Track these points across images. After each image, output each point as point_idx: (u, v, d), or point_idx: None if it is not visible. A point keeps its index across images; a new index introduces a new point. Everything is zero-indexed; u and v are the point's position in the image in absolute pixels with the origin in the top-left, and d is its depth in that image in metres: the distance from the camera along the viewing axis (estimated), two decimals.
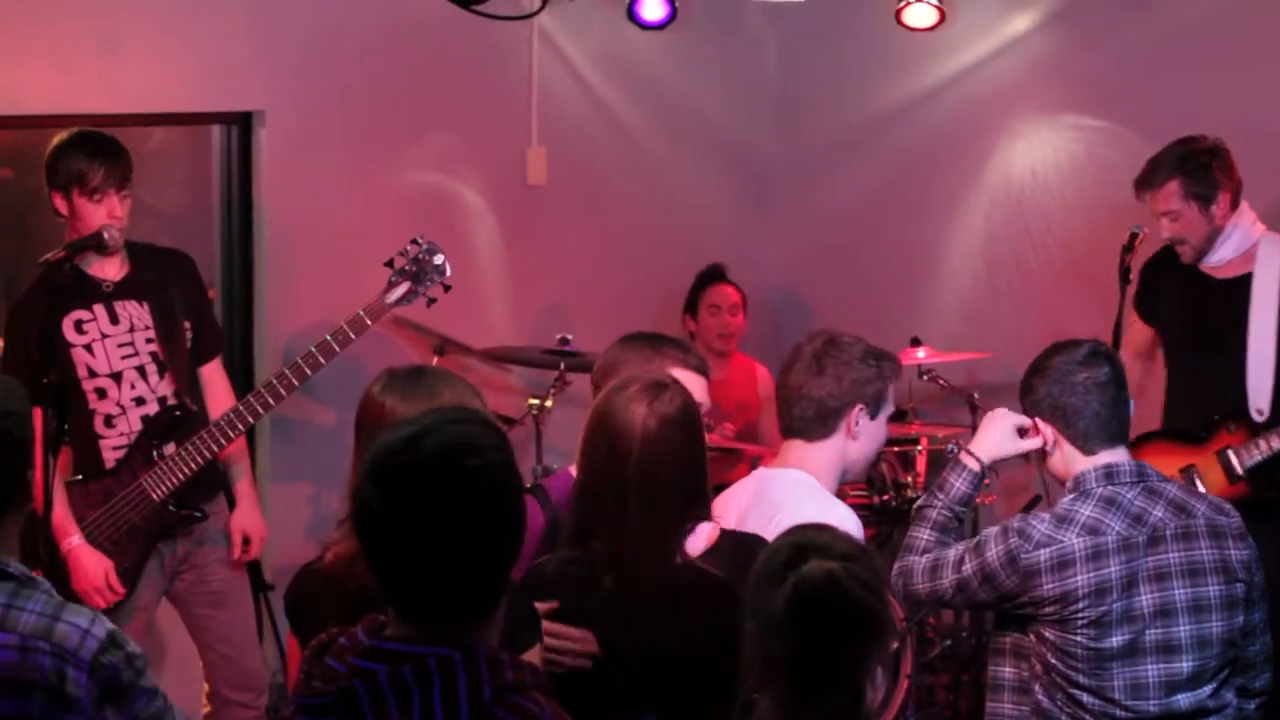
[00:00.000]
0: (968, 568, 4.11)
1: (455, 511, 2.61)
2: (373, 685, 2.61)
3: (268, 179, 6.81)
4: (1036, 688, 4.13)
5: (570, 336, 6.83)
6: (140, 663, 3.18)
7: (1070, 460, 4.14)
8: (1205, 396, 5.67)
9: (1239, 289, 5.64)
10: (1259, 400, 5.59)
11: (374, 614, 2.72)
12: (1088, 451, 4.11)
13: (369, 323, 5.48)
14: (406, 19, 6.92)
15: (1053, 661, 4.07)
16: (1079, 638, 4.01)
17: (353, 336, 5.45)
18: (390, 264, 5.57)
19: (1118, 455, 4.11)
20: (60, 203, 5.35)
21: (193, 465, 5.33)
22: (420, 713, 2.59)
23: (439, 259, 5.58)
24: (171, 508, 5.35)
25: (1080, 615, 3.99)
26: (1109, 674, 3.99)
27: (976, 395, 7.09)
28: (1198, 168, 5.63)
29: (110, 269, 5.42)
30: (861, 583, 2.88)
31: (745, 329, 7.66)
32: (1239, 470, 5.49)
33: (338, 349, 5.44)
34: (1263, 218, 5.77)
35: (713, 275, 7.65)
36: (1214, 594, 4.01)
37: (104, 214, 5.28)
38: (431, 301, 5.68)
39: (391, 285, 5.53)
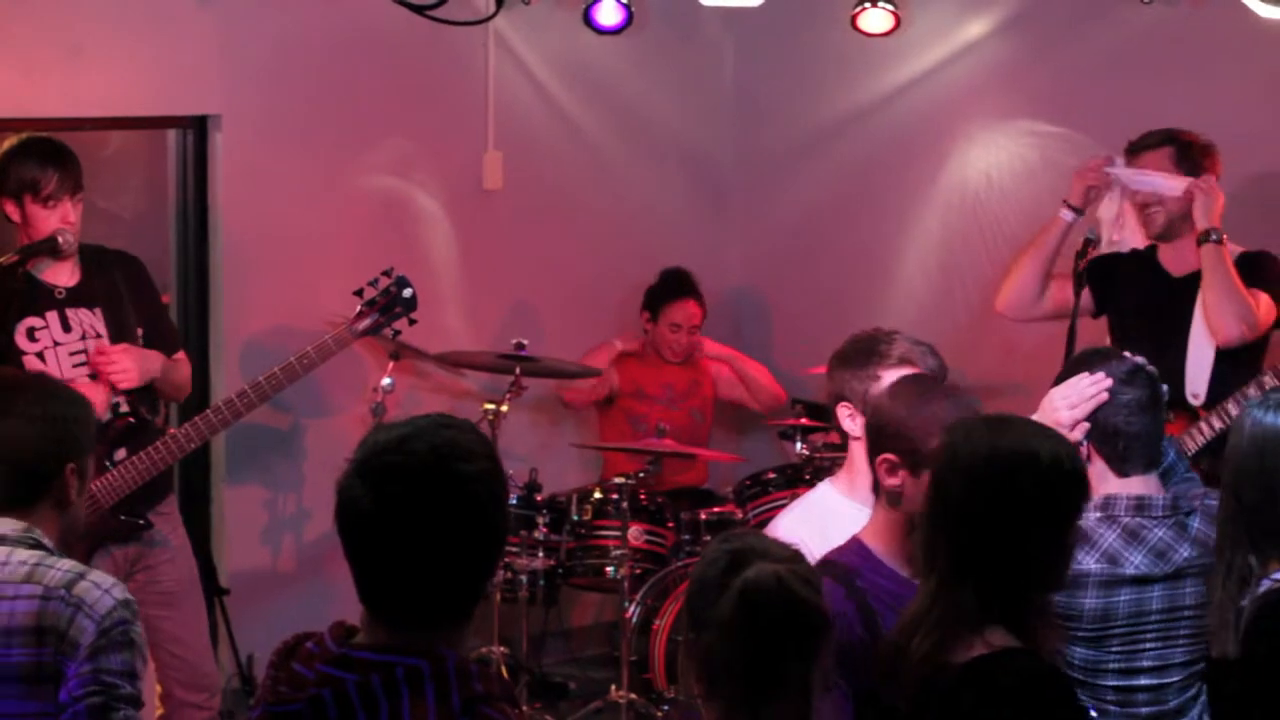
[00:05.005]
0: None
1: (445, 513, 2.61)
2: (341, 695, 2.61)
3: (223, 183, 6.79)
4: None
5: (525, 341, 6.84)
6: (139, 638, 3.33)
7: (1101, 477, 3.89)
8: None
9: (1190, 286, 5.70)
10: (1195, 385, 5.61)
11: (342, 620, 2.72)
12: (1122, 473, 3.91)
13: (335, 349, 5.57)
14: (362, 24, 6.90)
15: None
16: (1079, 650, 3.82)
17: (317, 361, 5.54)
18: (360, 294, 5.68)
19: (1149, 485, 3.92)
20: (12, 209, 5.33)
21: (144, 475, 5.32)
22: None
23: (408, 292, 5.72)
24: (121, 515, 5.33)
25: (1080, 632, 3.80)
26: (1101, 690, 3.84)
27: None
28: (1189, 145, 5.74)
29: (63, 275, 5.39)
30: (805, 582, 2.94)
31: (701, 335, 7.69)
32: (1187, 456, 5.51)
33: (301, 372, 5.52)
34: None
35: (679, 288, 7.61)
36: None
37: (57, 219, 5.27)
38: (397, 334, 5.80)
39: (360, 315, 5.65)
